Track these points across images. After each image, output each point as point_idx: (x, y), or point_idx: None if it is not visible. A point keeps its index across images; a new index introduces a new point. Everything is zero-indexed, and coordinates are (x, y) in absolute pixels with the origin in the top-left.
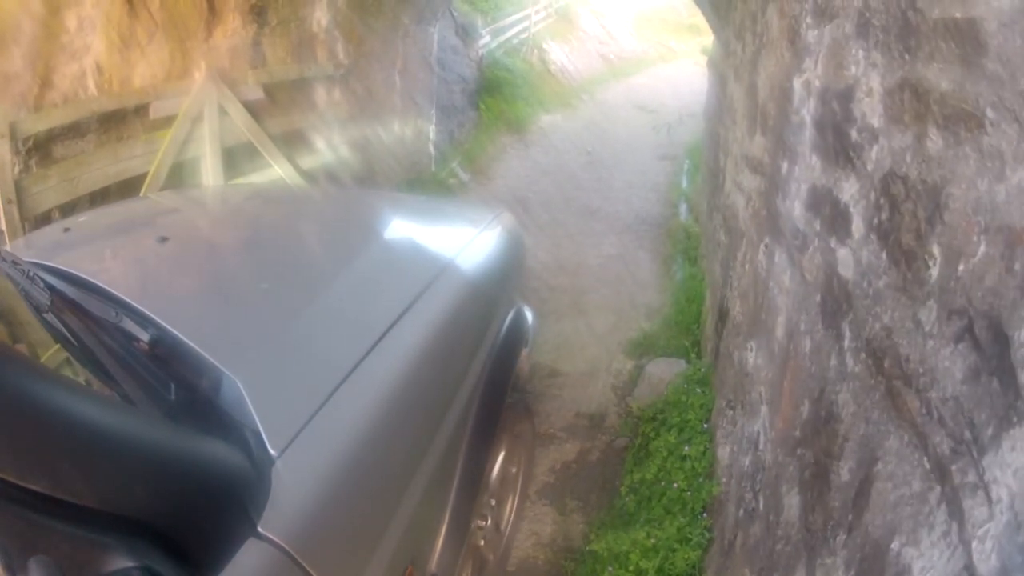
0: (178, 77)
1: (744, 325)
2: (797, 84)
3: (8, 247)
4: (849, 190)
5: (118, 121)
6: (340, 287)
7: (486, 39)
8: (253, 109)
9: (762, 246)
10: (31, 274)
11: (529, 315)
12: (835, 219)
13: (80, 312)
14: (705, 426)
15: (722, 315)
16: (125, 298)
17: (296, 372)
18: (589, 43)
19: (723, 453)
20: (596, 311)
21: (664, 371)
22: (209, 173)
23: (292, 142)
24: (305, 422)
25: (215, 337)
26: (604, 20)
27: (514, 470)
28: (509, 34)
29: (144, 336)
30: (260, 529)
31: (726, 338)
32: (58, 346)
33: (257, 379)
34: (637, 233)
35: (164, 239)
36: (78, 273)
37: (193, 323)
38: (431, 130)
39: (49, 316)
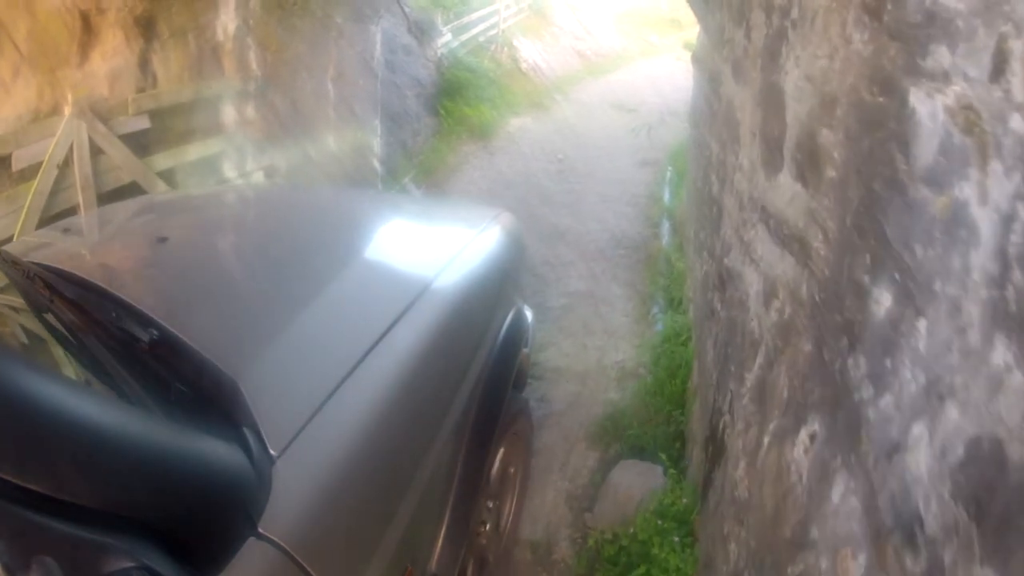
0: (48, 115)
1: (752, 532)
2: (927, 108)
3: (8, 247)
4: None
5: None
6: (340, 287)
7: (447, 37)
8: (139, 142)
9: (804, 434)
10: (31, 274)
11: (529, 315)
12: None
13: (80, 312)
14: None
15: (713, 435)
16: (125, 298)
17: (296, 372)
18: (564, 39)
19: None
20: (554, 377)
21: (634, 483)
22: None
23: (192, 175)
24: (305, 422)
25: (215, 337)
26: (581, 15)
27: (512, 469)
28: (475, 31)
29: (144, 336)
30: (260, 529)
31: (717, 502)
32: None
33: (257, 379)
34: (611, 261)
35: (163, 239)
36: (78, 273)
37: (193, 323)
38: (376, 143)
39: (49, 316)
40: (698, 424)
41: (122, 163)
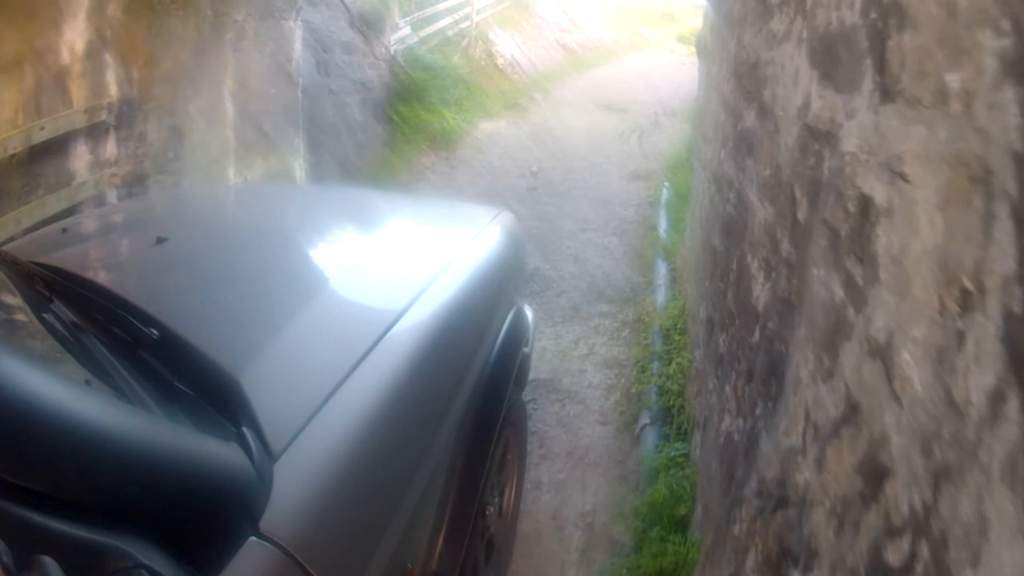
0: None
1: None
2: None
3: (8, 247)
4: None
5: None
6: (343, 284)
7: (404, 31)
8: None
9: None
10: (31, 274)
11: (529, 314)
12: None
13: (80, 312)
14: None
15: None
16: (125, 297)
17: (298, 370)
18: (548, 31)
19: None
20: None
21: None
22: None
23: None
24: (307, 421)
25: (215, 336)
26: (567, 6)
27: (510, 456)
28: (442, 23)
29: (144, 335)
30: (261, 529)
31: None
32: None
33: (258, 377)
34: (588, 324)
35: (163, 238)
36: (78, 273)
37: (193, 322)
38: (297, 166)
39: (49, 316)
40: None
41: None
